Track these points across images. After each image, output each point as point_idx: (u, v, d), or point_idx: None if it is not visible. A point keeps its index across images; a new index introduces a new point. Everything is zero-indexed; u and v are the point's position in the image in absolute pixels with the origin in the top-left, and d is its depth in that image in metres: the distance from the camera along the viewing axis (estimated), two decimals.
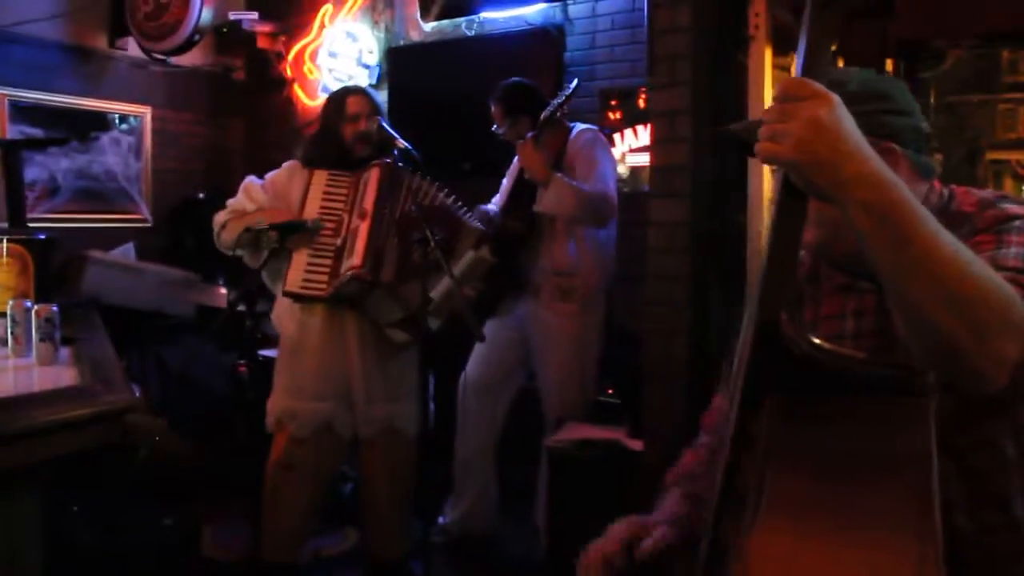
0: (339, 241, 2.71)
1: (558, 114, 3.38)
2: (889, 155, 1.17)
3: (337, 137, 2.86)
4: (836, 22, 0.97)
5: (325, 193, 2.76)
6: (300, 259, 2.70)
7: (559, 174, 3.32)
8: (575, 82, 3.43)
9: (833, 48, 1.02)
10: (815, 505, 0.96)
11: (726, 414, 1.52)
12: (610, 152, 3.62)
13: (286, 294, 2.70)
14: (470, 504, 3.73)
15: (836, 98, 0.93)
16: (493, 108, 3.60)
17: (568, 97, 3.35)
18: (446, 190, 2.85)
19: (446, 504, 3.81)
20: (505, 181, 3.79)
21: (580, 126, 3.58)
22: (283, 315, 2.84)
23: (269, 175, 2.92)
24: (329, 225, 2.72)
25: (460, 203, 2.90)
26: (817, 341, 1.00)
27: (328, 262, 2.69)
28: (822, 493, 0.96)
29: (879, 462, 0.95)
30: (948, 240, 0.93)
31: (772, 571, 0.96)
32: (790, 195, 0.98)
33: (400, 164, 2.80)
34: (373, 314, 2.75)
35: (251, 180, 2.91)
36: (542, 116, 3.35)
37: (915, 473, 0.94)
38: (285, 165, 2.94)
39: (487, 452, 3.72)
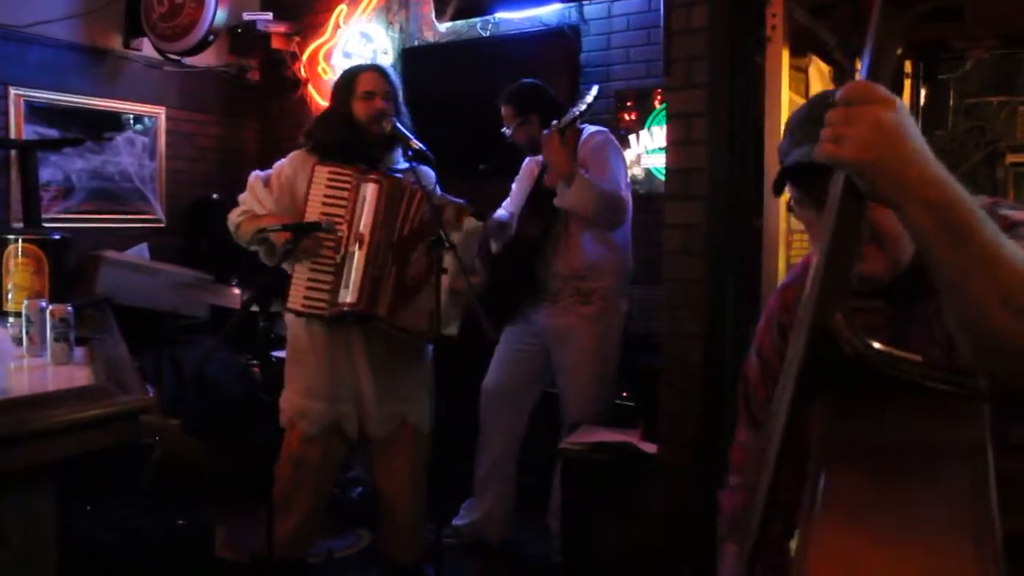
0: (338, 258, 2.68)
1: (578, 123, 3.36)
2: None
3: (348, 117, 2.81)
4: (905, 25, 0.97)
5: (326, 195, 2.71)
6: (301, 274, 2.69)
7: (582, 170, 3.30)
8: (595, 88, 3.39)
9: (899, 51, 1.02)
10: (871, 503, 0.94)
11: (753, 450, 1.51)
12: (621, 155, 3.59)
13: (288, 310, 2.72)
14: (488, 510, 3.72)
15: (900, 102, 0.94)
16: (503, 109, 3.60)
17: (589, 106, 3.33)
18: (434, 189, 2.79)
19: (462, 506, 3.80)
20: (514, 187, 3.77)
21: (591, 128, 3.56)
22: (291, 316, 2.83)
23: (276, 167, 2.88)
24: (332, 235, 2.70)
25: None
26: (874, 344, 0.99)
27: (328, 278, 2.68)
28: (878, 490, 0.95)
29: (934, 459, 0.94)
30: (1005, 240, 0.94)
31: (831, 571, 0.94)
32: (849, 197, 0.98)
33: (407, 168, 2.77)
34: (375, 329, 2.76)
35: (256, 177, 2.87)
36: (563, 120, 3.30)
37: (971, 471, 0.93)
38: (291, 155, 2.89)
39: (508, 460, 3.70)
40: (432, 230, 2.56)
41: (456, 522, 3.77)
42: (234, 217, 2.84)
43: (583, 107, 3.31)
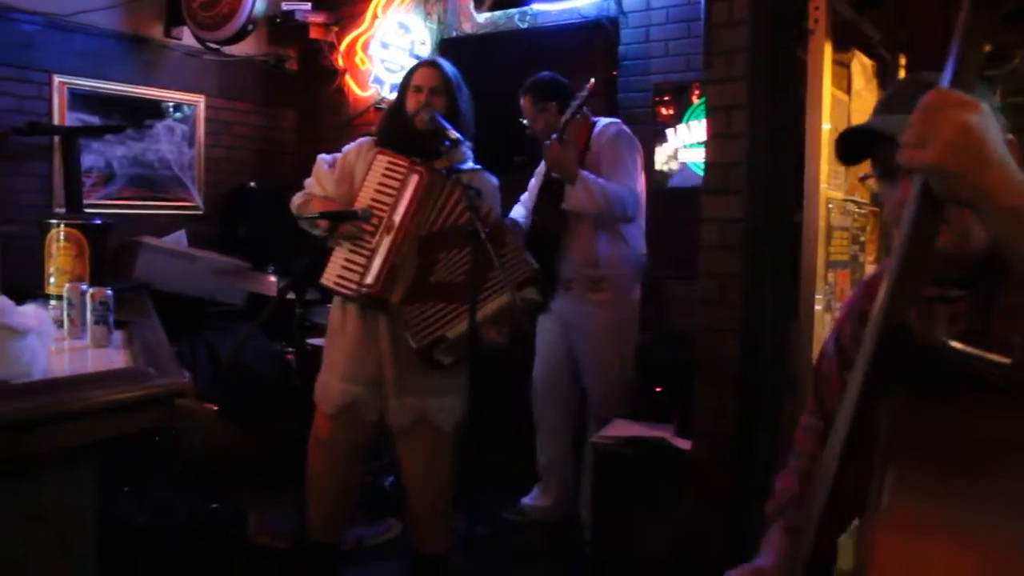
0: (374, 242, 2.70)
1: (578, 116, 3.48)
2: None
3: (401, 110, 2.84)
4: (994, 23, 0.94)
5: (380, 182, 2.73)
6: (340, 254, 2.73)
7: (584, 172, 3.43)
8: (591, 81, 3.45)
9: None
10: (940, 498, 0.92)
11: (815, 436, 1.51)
12: (636, 147, 3.66)
13: (321, 284, 2.75)
14: (556, 496, 3.86)
15: (984, 105, 0.93)
16: (522, 102, 3.72)
17: (585, 99, 3.43)
18: (489, 208, 2.71)
19: (534, 488, 3.93)
20: (532, 181, 3.87)
21: (604, 120, 3.66)
22: (335, 299, 2.85)
23: (344, 150, 2.92)
24: (373, 220, 2.70)
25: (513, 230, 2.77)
26: (952, 343, 0.97)
27: (363, 260, 2.69)
28: (947, 486, 0.93)
29: (1007, 456, 0.92)
30: None
31: (897, 567, 0.93)
32: (928, 199, 0.97)
33: (468, 170, 2.77)
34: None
35: (321, 160, 2.91)
36: (564, 117, 3.46)
37: None
38: (359, 141, 2.93)
39: (566, 451, 3.84)
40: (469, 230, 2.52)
41: (526, 501, 3.90)
42: (295, 200, 2.89)
43: (578, 102, 3.43)
